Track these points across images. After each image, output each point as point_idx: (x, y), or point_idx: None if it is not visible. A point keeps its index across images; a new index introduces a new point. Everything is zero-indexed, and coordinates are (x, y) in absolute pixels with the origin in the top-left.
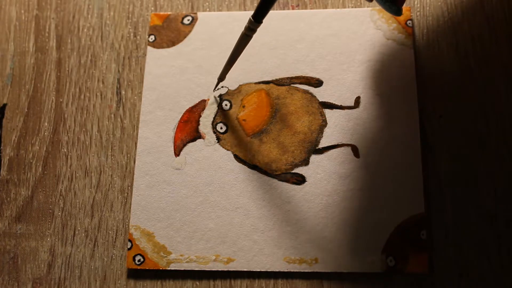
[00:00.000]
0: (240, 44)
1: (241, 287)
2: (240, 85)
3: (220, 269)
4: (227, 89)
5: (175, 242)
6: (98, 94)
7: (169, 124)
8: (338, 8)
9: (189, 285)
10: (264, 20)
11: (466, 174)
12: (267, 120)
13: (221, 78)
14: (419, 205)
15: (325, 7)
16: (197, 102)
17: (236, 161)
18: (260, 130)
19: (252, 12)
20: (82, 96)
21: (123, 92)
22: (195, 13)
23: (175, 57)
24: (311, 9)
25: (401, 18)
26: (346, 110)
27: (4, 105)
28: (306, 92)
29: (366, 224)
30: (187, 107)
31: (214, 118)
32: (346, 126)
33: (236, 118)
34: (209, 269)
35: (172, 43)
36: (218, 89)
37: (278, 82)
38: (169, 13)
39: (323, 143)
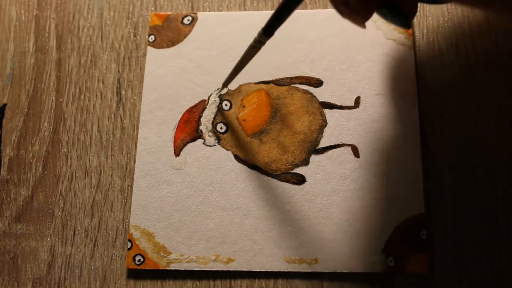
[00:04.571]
0: (247, 55)
1: (241, 287)
2: (240, 85)
3: (220, 269)
4: (227, 89)
5: (175, 242)
6: (98, 94)
7: (169, 124)
8: None
9: (189, 285)
10: (264, 20)
11: (466, 174)
12: (267, 120)
13: (225, 84)
14: (419, 205)
15: (325, 7)
16: (197, 102)
17: (236, 161)
18: (260, 130)
19: (251, 13)
20: (82, 96)
21: (123, 92)
22: (195, 13)
23: (175, 57)
24: (311, 9)
25: None
26: (346, 110)
27: (4, 105)
28: (306, 92)
29: (366, 224)
30: (187, 107)
31: (214, 118)
32: (346, 126)
33: (236, 118)
34: (209, 269)
35: (172, 43)
36: (218, 90)
37: (278, 82)
38: (169, 13)
39: (323, 143)
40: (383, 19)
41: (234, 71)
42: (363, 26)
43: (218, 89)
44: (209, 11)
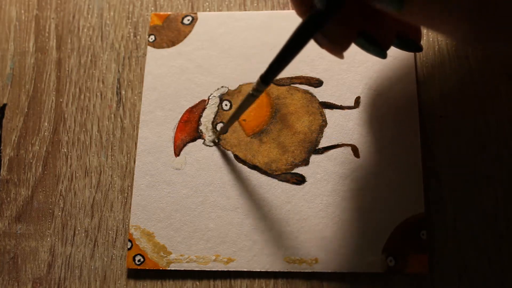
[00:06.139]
0: (245, 102)
1: (241, 287)
2: (240, 85)
3: (220, 269)
4: (227, 89)
5: (175, 242)
6: (98, 94)
7: (169, 124)
8: None
9: (189, 285)
10: (264, 20)
11: (466, 174)
12: (267, 120)
13: (223, 131)
14: (419, 205)
15: None
16: (197, 102)
17: (236, 161)
18: (260, 130)
19: (251, 13)
20: (82, 96)
21: (123, 92)
22: (195, 13)
23: (175, 57)
24: None
25: None
26: (346, 110)
27: (4, 105)
28: (306, 92)
29: (366, 224)
30: (187, 107)
31: (214, 118)
32: (346, 126)
33: None
34: (209, 269)
35: (172, 43)
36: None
37: (278, 82)
38: (169, 13)
39: (323, 143)
40: (361, 49)
41: (232, 118)
42: (341, 57)
43: (212, 134)
44: (209, 11)
